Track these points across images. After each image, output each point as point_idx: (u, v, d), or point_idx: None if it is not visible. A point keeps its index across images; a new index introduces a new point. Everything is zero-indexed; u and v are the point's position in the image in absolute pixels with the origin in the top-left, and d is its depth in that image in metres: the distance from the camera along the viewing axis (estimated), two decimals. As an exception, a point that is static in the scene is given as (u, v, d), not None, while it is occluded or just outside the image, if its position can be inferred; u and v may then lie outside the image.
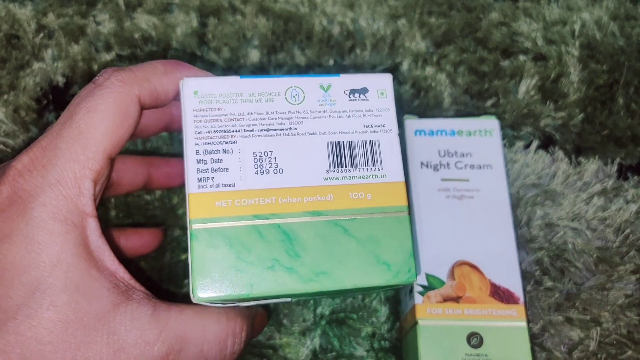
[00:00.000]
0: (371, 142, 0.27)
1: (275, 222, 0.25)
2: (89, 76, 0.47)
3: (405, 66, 0.47)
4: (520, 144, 0.44)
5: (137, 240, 0.35)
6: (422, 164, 0.36)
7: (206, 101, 0.28)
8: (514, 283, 0.33)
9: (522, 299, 0.33)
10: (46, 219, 0.22)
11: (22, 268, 0.22)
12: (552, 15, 0.50)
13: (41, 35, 0.48)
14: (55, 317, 0.21)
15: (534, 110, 0.45)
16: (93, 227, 0.24)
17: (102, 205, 0.40)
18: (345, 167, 0.27)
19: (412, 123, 0.37)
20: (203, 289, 0.24)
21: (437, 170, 0.36)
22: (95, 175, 0.24)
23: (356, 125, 0.28)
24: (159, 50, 0.48)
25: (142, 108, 0.26)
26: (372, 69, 0.47)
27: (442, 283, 0.33)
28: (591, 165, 0.43)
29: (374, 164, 0.27)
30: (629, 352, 0.37)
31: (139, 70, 0.26)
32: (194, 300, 0.24)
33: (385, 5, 0.50)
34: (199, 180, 0.26)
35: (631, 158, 0.44)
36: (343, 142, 0.27)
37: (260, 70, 0.47)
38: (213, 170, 0.26)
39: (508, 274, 0.33)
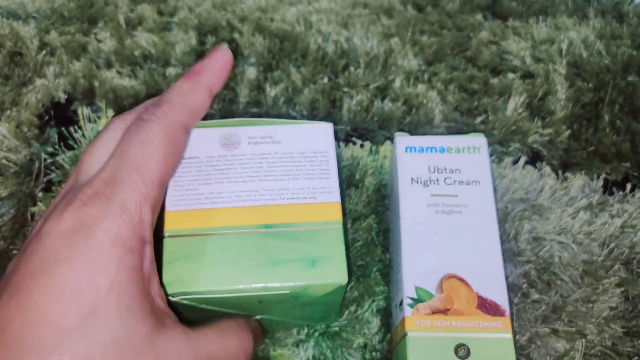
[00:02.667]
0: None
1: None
2: (89, 93, 0.48)
3: (397, 84, 0.48)
4: (508, 159, 0.45)
5: None
6: (412, 179, 0.37)
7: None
8: (500, 296, 0.33)
9: (507, 311, 0.33)
10: (106, 244, 0.24)
11: (80, 289, 0.23)
12: (540, 34, 0.51)
13: (43, 52, 0.49)
14: (108, 338, 0.23)
15: (522, 127, 0.47)
16: (148, 253, 0.26)
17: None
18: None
19: (403, 140, 0.38)
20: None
21: (427, 186, 0.37)
22: (153, 202, 0.26)
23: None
24: (159, 67, 0.49)
25: (188, 131, 0.29)
26: (365, 86, 0.48)
27: (431, 296, 0.34)
28: (577, 181, 0.45)
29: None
30: (614, 363, 0.38)
31: (174, 97, 0.29)
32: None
33: (379, 24, 0.51)
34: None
35: (616, 173, 0.45)
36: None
37: (257, 87, 0.49)
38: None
39: (494, 287, 0.34)
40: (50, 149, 0.45)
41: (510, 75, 0.49)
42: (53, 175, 0.44)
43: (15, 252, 0.41)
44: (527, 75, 0.49)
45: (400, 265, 0.35)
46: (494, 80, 0.49)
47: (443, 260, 0.34)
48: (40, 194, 0.43)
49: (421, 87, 0.48)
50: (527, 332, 0.39)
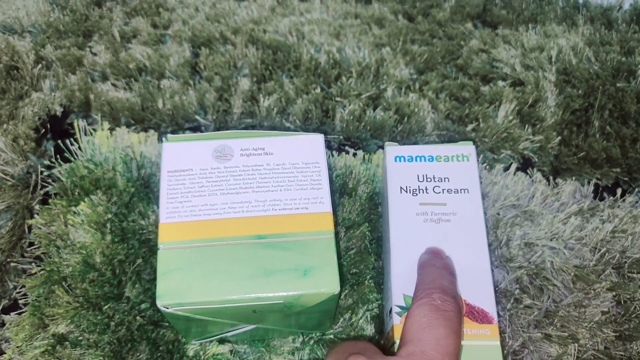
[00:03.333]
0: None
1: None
2: (85, 105, 0.48)
3: (389, 93, 0.49)
4: (500, 166, 0.46)
5: None
6: (401, 188, 0.37)
7: None
8: (488, 303, 0.33)
9: (495, 319, 0.33)
10: None
11: None
12: (530, 41, 0.52)
13: (39, 66, 0.50)
14: None
15: (513, 134, 0.47)
16: None
17: (98, 230, 0.42)
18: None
19: (392, 150, 0.39)
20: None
21: (416, 195, 0.37)
22: None
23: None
24: (153, 79, 0.50)
25: None
26: (357, 96, 0.49)
27: None
28: (568, 187, 0.45)
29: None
30: (606, 367, 0.39)
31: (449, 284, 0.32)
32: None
33: (370, 34, 0.52)
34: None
35: (607, 179, 0.46)
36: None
37: (250, 98, 0.49)
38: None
39: (483, 295, 0.34)
40: (47, 162, 0.46)
41: (501, 83, 0.50)
42: (50, 188, 0.44)
43: (12, 264, 0.42)
44: (518, 83, 0.50)
45: (389, 273, 0.35)
46: (485, 88, 0.49)
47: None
48: (37, 207, 0.44)
49: (413, 96, 0.49)
50: (520, 337, 0.39)
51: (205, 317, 0.32)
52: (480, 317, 0.33)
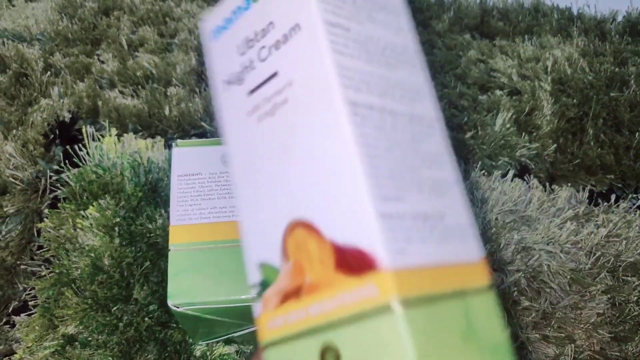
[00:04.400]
0: None
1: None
2: (93, 112, 0.49)
3: (390, 101, 0.50)
4: (497, 173, 0.47)
5: None
6: (224, 82, 0.22)
7: None
8: (365, 235, 0.17)
9: (384, 260, 0.16)
10: None
11: None
12: (526, 52, 0.54)
13: (48, 73, 0.51)
14: None
15: (510, 141, 0.49)
16: None
17: (107, 233, 0.43)
18: None
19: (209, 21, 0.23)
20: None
21: (242, 82, 0.21)
22: None
23: None
24: (160, 87, 0.51)
25: None
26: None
27: (277, 272, 0.20)
28: (564, 193, 0.47)
29: None
30: (601, 367, 0.40)
31: None
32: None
33: (371, 44, 0.53)
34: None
35: (601, 185, 0.47)
36: None
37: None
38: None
39: (355, 222, 0.17)
40: (55, 167, 0.47)
41: (498, 92, 0.51)
42: (59, 192, 0.45)
43: (23, 266, 0.43)
44: (514, 92, 0.51)
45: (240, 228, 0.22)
46: (483, 97, 0.51)
47: (282, 203, 0.20)
48: (46, 211, 0.45)
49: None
50: (519, 338, 0.40)
51: (214, 316, 0.33)
52: (355, 264, 0.17)
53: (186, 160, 0.36)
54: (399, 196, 0.18)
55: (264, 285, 0.20)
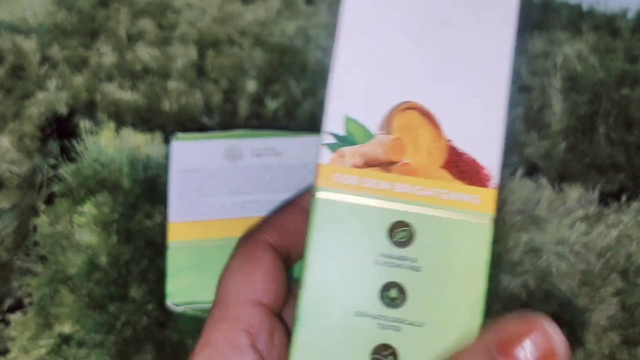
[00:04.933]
0: None
1: None
2: (91, 106, 0.48)
3: (395, 97, 0.49)
4: (505, 171, 0.46)
5: None
6: None
7: None
8: (487, 151, 0.20)
9: (495, 180, 0.20)
10: None
11: None
12: (536, 48, 0.52)
13: (45, 66, 0.50)
14: None
15: (519, 139, 0.47)
16: None
17: (104, 230, 0.42)
18: None
19: None
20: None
21: None
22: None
23: None
24: (160, 80, 0.50)
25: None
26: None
27: (370, 136, 0.20)
28: (574, 192, 0.45)
29: None
30: (612, 372, 0.39)
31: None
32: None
33: (377, 39, 0.52)
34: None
35: (611, 185, 0.46)
36: None
37: (257, 101, 0.49)
38: None
39: (481, 135, 0.20)
40: (52, 161, 0.45)
41: (507, 89, 0.50)
42: (55, 188, 0.44)
43: (18, 263, 0.41)
44: (523, 89, 0.50)
45: (329, 80, 0.21)
46: (491, 94, 0.50)
47: (399, 81, 0.20)
48: (42, 206, 0.44)
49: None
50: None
51: None
52: (468, 172, 0.20)
53: (186, 154, 0.35)
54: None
55: (345, 140, 0.20)
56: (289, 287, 0.23)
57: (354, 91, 0.20)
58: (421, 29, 0.20)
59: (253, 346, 0.21)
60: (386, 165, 0.20)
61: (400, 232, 0.19)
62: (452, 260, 0.19)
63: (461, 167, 0.20)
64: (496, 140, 0.20)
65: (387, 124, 0.20)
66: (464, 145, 0.20)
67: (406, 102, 0.20)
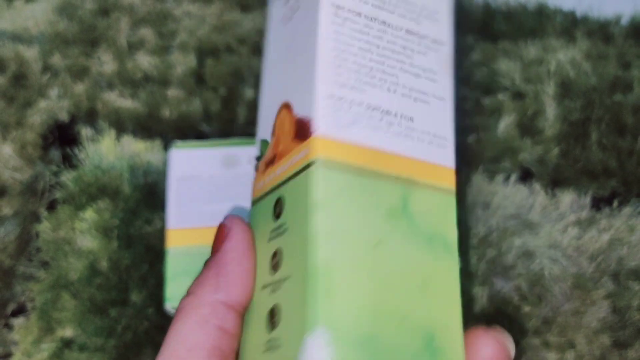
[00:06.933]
0: None
1: None
2: (92, 114, 0.49)
3: (391, 104, 0.50)
4: (499, 177, 0.47)
5: None
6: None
7: None
8: (313, 109, 0.20)
9: (318, 130, 0.20)
10: None
11: None
12: (529, 55, 0.53)
13: (47, 74, 0.51)
14: None
15: (513, 145, 0.48)
16: None
17: (105, 236, 0.43)
18: None
19: None
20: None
21: None
22: None
23: None
24: (160, 88, 0.50)
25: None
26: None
27: (267, 145, 0.24)
28: (566, 197, 0.46)
29: None
30: (603, 374, 0.39)
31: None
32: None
33: (373, 46, 0.53)
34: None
35: (604, 190, 0.47)
36: None
37: (255, 109, 0.50)
38: None
39: (306, 98, 0.21)
40: (54, 169, 0.46)
41: (501, 96, 0.51)
42: (57, 194, 0.45)
43: (21, 269, 0.42)
44: (517, 95, 0.51)
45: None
46: (485, 100, 0.51)
47: (279, 89, 0.24)
48: (44, 213, 0.44)
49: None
50: (519, 343, 0.40)
51: None
52: (302, 131, 0.21)
53: (184, 162, 0.36)
54: (358, 87, 0.21)
55: (259, 157, 0.24)
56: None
57: (261, 116, 0.24)
58: (275, 43, 0.25)
59: None
60: (273, 160, 0.23)
61: (277, 207, 0.22)
62: (299, 211, 0.20)
63: (301, 131, 0.21)
64: (312, 93, 0.21)
65: (273, 129, 0.23)
66: (300, 111, 0.22)
67: (280, 104, 0.23)
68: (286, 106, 0.23)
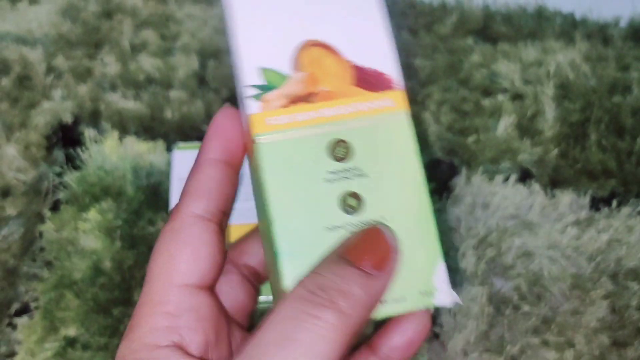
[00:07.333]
0: None
1: None
2: (95, 115, 0.50)
3: (392, 105, 0.50)
4: (499, 177, 0.47)
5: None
6: None
7: None
8: (383, 61, 0.23)
9: (399, 83, 0.23)
10: None
11: None
12: (529, 57, 0.54)
13: (51, 76, 0.51)
14: None
15: (512, 146, 0.49)
16: None
17: (108, 236, 0.43)
18: None
19: None
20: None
21: None
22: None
23: None
24: (162, 90, 0.51)
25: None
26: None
27: (285, 78, 0.23)
28: (565, 198, 0.46)
29: None
30: (602, 373, 0.40)
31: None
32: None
33: (374, 48, 0.53)
34: None
35: (602, 190, 0.47)
36: None
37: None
38: None
39: (374, 51, 0.23)
40: (57, 169, 0.47)
41: (500, 97, 0.51)
42: (61, 195, 0.46)
43: (25, 268, 0.43)
44: (517, 97, 0.51)
45: (233, 39, 0.24)
46: (485, 102, 0.51)
47: (298, 22, 0.23)
48: (48, 213, 0.45)
49: (415, 109, 0.50)
50: (519, 342, 0.40)
51: None
52: (375, 82, 0.23)
53: (187, 163, 0.36)
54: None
55: (266, 88, 0.22)
56: (224, 253, 0.24)
57: (259, 44, 0.23)
58: None
59: (172, 328, 0.22)
60: (307, 97, 0.23)
61: (340, 150, 0.22)
62: (389, 157, 0.22)
63: (369, 80, 0.23)
64: (387, 49, 0.23)
65: (296, 64, 0.23)
66: (364, 62, 0.23)
67: (307, 40, 0.23)
68: (322, 46, 0.23)
